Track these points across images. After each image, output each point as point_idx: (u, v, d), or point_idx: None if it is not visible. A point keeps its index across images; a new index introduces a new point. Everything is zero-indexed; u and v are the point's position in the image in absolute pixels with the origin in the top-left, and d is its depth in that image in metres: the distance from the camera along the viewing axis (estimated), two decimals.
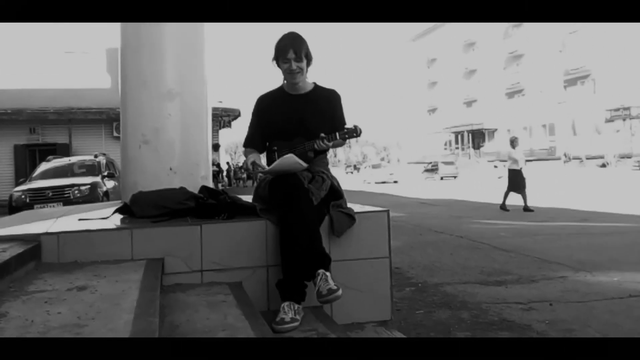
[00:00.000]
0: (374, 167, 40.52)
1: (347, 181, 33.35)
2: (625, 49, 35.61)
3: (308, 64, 2.89)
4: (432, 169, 36.99)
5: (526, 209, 11.39)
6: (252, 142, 3.05)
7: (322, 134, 2.82)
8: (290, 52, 2.80)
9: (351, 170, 54.62)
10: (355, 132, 2.83)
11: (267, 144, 3.03)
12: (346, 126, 2.89)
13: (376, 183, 33.33)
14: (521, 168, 11.61)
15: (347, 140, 2.97)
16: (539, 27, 42.90)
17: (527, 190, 11.71)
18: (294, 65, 2.84)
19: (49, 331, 1.57)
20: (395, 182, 33.21)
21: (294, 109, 2.93)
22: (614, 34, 35.78)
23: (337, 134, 2.83)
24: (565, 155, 38.25)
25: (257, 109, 3.03)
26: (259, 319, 2.20)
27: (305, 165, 2.72)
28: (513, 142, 11.93)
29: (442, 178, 35.03)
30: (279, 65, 2.87)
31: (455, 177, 35.31)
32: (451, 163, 38.28)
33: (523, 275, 5.13)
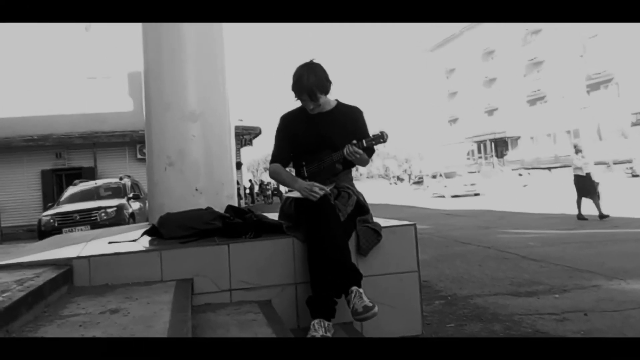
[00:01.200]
0: (448, 176, 29.42)
1: (402, 195, 28.95)
2: None
3: (326, 92, 2.89)
4: (419, 181, 37.90)
5: (601, 216, 10.61)
6: (280, 158, 3.01)
7: (354, 140, 2.80)
8: (304, 95, 2.83)
9: (394, 181, 51.02)
10: (382, 138, 2.83)
11: (296, 161, 3.02)
12: (373, 133, 2.88)
13: (452, 197, 25.40)
14: (588, 173, 10.93)
15: (371, 158, 2.97)
16: (558, 33, 42.52)
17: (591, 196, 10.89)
18: (311, 105, 2.87)
19: None
20: (477, 194, 25.83)
21: (316, 127, 2.93)
22: (636, 36, 35.27)
23: (364, 140, 2.83)
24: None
25: (282, 127, 3.03)
26: (290, 337, 2.19)
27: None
28: (576, 147, 11.42)
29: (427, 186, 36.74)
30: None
31: None
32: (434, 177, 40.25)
33: (555, 285, 5.03)
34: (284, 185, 2.96)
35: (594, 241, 7.77)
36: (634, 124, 36.94)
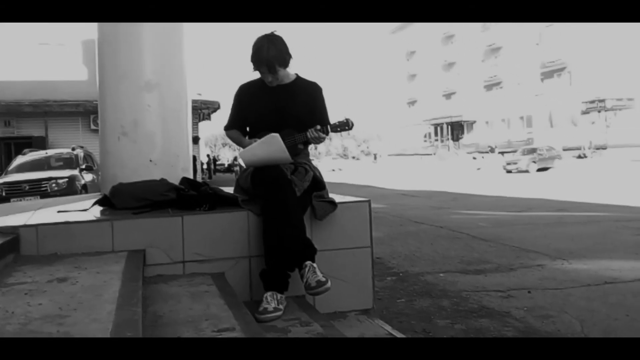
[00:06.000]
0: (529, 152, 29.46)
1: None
2: (601, 42, 36.05)
3: (286, 66, 2.87)
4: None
5: None
6: (235, 124, 3.09)
7: (318, 126, 2.83)
8: (263, 67, 2.80)
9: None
10: (347, 125, 2.88)
11: (252, 134, 3.00)
12: (338, 119, 2.91)
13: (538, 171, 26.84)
14: None
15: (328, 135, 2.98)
16: None
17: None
18: (269, 77, 2.86)
19: (30, 322, 1.56)
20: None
21: (274, 99, 2.92)
22: (590, 27, 36.17)
23: (329, 126, 2.85)
24: (489, 146, 38.67)
25: (239, 96, 3.03)
26: (242, 308, 2.20)
27: (289, 159, 2.72)
28: None
29: None
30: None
31: None
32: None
33: (502, 264, 5.21)
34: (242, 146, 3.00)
35: (541, 223, 8.05)
36: (583, 112, 38.11)
